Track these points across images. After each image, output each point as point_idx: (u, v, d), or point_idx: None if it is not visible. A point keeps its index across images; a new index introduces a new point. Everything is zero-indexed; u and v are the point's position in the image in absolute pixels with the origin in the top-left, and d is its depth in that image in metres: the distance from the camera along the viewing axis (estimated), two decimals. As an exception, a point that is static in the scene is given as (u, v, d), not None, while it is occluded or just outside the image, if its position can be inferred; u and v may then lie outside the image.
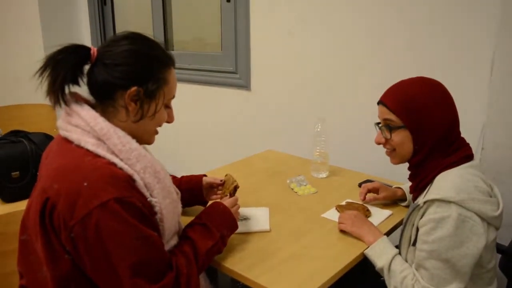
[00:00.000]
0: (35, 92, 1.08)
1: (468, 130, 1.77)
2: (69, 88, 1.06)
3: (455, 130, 1.26)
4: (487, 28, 1.71)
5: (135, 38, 1.09)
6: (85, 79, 1.08)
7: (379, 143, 1.34)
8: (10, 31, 3.44)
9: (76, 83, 1.07)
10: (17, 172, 1.74)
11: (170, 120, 1.18)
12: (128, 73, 1.04)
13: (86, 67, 1.07)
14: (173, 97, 1.15)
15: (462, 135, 1.30)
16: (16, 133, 1.89)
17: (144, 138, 1.13)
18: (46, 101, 1.06)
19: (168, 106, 1.16)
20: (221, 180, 1.48)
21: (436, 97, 1.24)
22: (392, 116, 1.26)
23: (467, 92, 1.80)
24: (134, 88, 1.04)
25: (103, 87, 1.05)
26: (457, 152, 1.24)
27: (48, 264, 0.97)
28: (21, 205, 1.69)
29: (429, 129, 1.22)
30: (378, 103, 1.32)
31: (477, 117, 1.76)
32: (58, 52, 1.03)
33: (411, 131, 1.24)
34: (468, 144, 1.29)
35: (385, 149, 1.35)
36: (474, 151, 1.74)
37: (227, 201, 1.28)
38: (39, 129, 1.95)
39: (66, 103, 1.05)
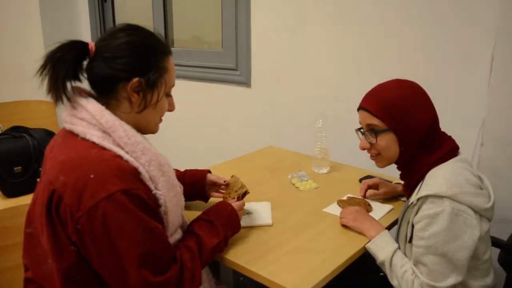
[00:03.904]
0: (35, 89, 1.09)
1: (468, 126, 1.79)
2: (71, 84, 1.07)
3: (436, 127, 1.28)
4: (487, 24, 1.72)
5: (132, 30, 1.10)
6: (85, 74, 1.09)
7: (364, 149, 1.35)
8: (10, 27, 3.44)
9: (77, 78, 1.08)
10: (19, 167, 1.74)
11: (171, 108, 1.19)
12: (129, 65, 1.05)
13: (85, 63, 1.08)
14: (173, 85, 1.16)
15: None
16: (17, 128, 1.89)
17: (149, 128, 1.15)
18: (47, 98, 1.07)
19: (168, 95, 1.17)
20: (225, 181, 1.48)
21: (416, 97, 1.26)
22: (375, 121, 1.27)
23: (466, 88, 1.82)
24: (136, 79, 1.05)
25: (104, 80, 1.06)
26: (442, 146, 1.25)
27: (54, 256, 0.98)
28: (23, 200, 1.71)
29: (413, 129, 1.24)
30: (358, 109, 1.33)
31: (477, 113, 1.77)
32: (56, 49, 1.04)
33: (396, 133, 1.26)
34: (450, 137, 1.30)
35: (369, 154, 1.36)
36: (473, 147, 1.78)
37: (235, 204, 1.28)
38: (39, 125, 1.95)
39: (68, 99, 1.06)
